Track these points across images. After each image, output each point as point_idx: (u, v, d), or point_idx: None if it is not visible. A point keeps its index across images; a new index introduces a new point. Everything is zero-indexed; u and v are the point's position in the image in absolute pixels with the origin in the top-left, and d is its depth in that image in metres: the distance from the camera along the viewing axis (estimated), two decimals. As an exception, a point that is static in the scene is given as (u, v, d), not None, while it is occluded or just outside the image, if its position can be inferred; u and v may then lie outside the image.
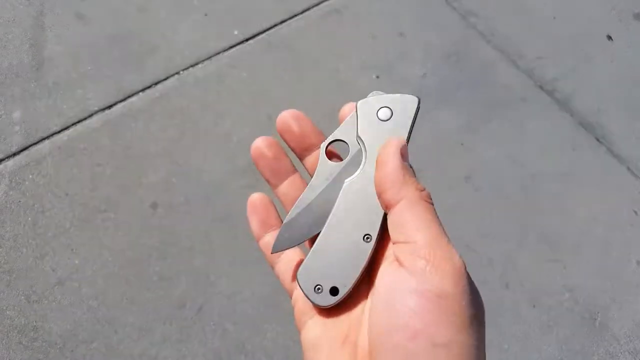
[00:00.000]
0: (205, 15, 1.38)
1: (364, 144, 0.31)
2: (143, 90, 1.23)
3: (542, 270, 1.13)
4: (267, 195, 0.36)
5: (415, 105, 0.31)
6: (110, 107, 1.20)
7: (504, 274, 1.11)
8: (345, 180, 0.31)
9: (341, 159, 0.34)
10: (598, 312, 1.10)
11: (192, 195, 1.10)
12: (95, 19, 1.33)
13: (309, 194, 0.32)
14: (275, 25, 1.39)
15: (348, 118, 0.33)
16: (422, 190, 0.29)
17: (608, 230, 1.20)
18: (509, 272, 1.12)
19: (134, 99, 1.21)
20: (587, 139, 1.33)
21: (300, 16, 1.42)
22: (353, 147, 0.33)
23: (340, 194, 0.31)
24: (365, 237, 0.30)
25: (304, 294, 0.30)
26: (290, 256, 0.35)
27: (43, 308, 0.96)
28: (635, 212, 1.23)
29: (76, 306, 0.97)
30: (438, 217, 0.28)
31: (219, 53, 1.31)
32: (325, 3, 1.45)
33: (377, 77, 1.34)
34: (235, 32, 1.36)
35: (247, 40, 1.35)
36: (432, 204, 0.28)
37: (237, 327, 0.99)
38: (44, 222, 1.04)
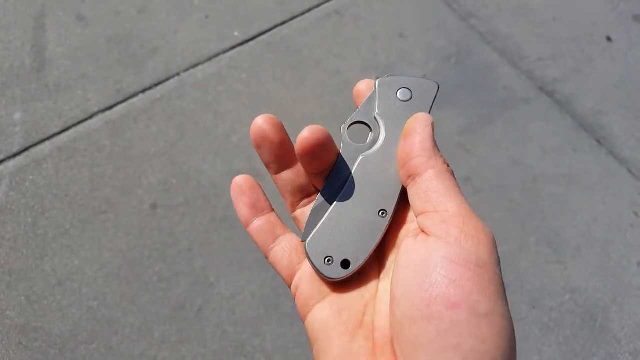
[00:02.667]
0: (206, 16, 1.38)
1: (383, 121, 0.31)
2: (143, 91, 1.23)
3: (542, 271, 1.13)
4: (252, 177, 0.34)
5: (435, 91, 0.31)
6: (110, 108, 1.20)
7: (504, 276, 1.11)
8: (361, 155, 0.30)
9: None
10: (599, 314, 1.10)
11: (191, 196, 1.11)
12: (96, 20, 1.33)
13: (337, 177, 0.31)
14: (276, 26, 1.39)
15: (365, 100, 0.32)
16: (447, 164, 0.28)
17: (609, 232, 1.20)
18: (510, 273, 1.11)
19: (134, 100, 1.22)
20: (587, 141, 1.33)
21: (301, 17, 1.42)
22: (375, 128, 0.32)
23: (355, 167, 0.30)
24: (381, 212, 0.29)
25: (313, 265, 0.29)
26: (286, 240, 0.32)
27: (43, 308, 0.96)
28: (636, 214, 1.23)
29: (76, 307, 0.97)
30: None
31: (219, 54, 1.32)
32: (325, 4, 1.45)
33: (378, 78, 1.34)
34: (236, 34, 1.36)
35: (247, 41, 1.35)
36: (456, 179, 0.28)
37: (236, 328, 0.98)
38: (44, 223, 1.04)
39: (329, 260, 0.29)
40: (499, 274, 0.24)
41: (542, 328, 1.07)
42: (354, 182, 0.30)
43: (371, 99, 0.31)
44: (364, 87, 0.32)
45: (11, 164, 1.10)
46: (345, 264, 0.29)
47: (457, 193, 0.26)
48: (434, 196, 0.26)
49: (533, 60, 1.45)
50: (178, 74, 1.27)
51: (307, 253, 0.29)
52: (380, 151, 0.30)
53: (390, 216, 0.30)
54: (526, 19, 1.54)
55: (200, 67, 1.29)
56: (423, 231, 0.26)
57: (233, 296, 1.01)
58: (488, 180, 1.23)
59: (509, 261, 1.13)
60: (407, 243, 0.26)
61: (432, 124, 0.29)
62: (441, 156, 0.28)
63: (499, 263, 0.24)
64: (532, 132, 1.32)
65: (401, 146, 0.29)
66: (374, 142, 0.31)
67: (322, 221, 0.29)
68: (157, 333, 0.96)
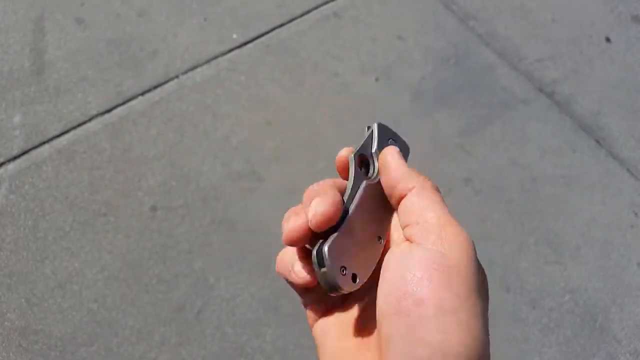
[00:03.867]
0: (205, 19, 1.38)
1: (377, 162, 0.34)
2: (143, 94, 1.24)
3: (542, 272, 1.13)
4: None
5: (408, 152, 0.35)
6: (109, 110, 1.20)
7: (504, 276, 1.11)
8: (365, 181, 0.32)
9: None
10: (599, 314, 1.10)
11: (191, 198, 1.11)
12: (95, 23, 1.34)
13: (348, 200, 0.32)
14: (275, 28, 1.39)
15: (367, 137, 0.35)
16: (428, 179, 0.30)
17: (608, 232, 1.20)
18: (509, 274, 1.11)
19: (133, 102, 1.22)
20: (587, 141, 1.33)
21: (300, 19, 1.42)
22: (373, 162, 0.35)
23: (360, 193, 0.32)
24: (378, 238, 0.31)
25: (329, 271, 0.28)
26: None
27: (43, 311, 0.96)
28: (636, 214, 1.23)
29: (76, 309, 0.97)
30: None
31: (218, 57, 1.32)
32: (324, 6, 1.46)
33: (377, 80, 1.35)
34: (235, 36, 1.36)
35: (246, 43, 1.36)
36: (440, 192, 0.30)
37: (236, 330, 0.99)
38: (44, 226, 1.04)
39: (343, 270, 0.29)
40: (476, 275, 0.25)
41: (542, 329, 1.07)
42: (359, 206, 0.31)
43: (370, 137, 0.35)
44: (345, 153, 0.34)
45: (11, 166, 1.10)
46: (354, 277, 0.29)
47: (438, 205, 0.28)
48: (417, 210, 0.28)
49: (532, 62, 1.45)
50: (177, 77, 1.27)
51: (325, 257, 0.28)
52: (379, 183, 0.33)
53: (384, 242, 0.32)
54: (525, 20, 1.55)
55: (199, 69, 1.29)
56: (408, 239, 0.28)
57: (233, 298, 1.01)
58: (487, 181, 1.23)
59: (508, 262, 1.13)
60: (392, 249, 0.29)
61: (399, 152, 0.32)
62: (420, 174, 0.30)
63: (476, 265, 0.26)
64: (531, 132, 1.32)
65: (383, 181, 0.32)
66: (374, 173, 0.34)
67: (340, 231, 0.29)
68: (156, 335, 0.96)
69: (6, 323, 0.94)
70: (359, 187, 0.32)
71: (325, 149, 1.22)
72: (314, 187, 0.31)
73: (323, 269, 0.28)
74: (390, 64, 1.38)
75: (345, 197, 0.31)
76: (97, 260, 1.02)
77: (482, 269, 0.26)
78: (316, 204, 0.28)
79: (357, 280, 0.29)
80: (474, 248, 0.26)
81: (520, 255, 1.14)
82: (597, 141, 1.33)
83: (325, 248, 0.28)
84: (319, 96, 1.30)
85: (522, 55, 1.46)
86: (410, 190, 0.29)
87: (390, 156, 0.32)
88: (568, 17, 1.57)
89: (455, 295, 0.24)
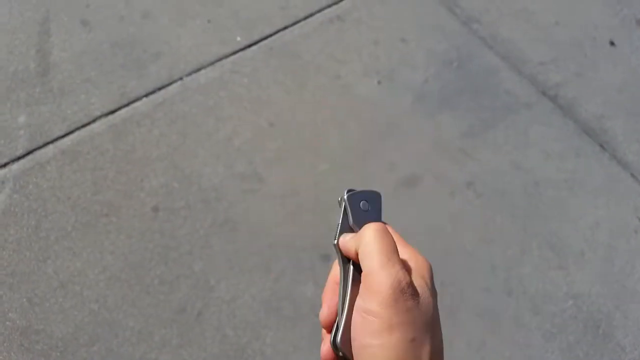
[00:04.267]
0: (208, 21, 1.39)
1: (357, 229, 0.38)
2: (146, 95, 1.24)
3: (545, 277, 1.12)
4: None
5: (380, 199, 0.41)
6: (113, 112, 1.21)
7: (506, 281, 1.10)
8: (350, 267, 0.37)
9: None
10: (602, 320, 1.09)
11: (193, 200, 1.11)
12: (100, 25, 1.35)
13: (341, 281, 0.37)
14: (278, 31, 1.40)
15: (342, 214, 0.40)
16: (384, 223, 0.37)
17: (612, 237, 1.19)
18: (512, 279, 1.11)
19: (137, 104, 1.23)
20: (590, 145, 1.32)
21: (303, 22, 1.42)
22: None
23: (349, 277, 0.37)
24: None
25: (343, 354, 0.34)
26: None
27: (45, 311, 0.96)
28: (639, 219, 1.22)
29: (77, 309, 0.97)
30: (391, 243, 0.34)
31: (221, 59, 1.32)
32: (327, 9, 1.46)
33: (379, 82, 1.35)
34: (238, 38, 1.37)
35: (249, 46, 1.36)
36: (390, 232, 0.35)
37: (236, 332, 0.98)
38: (46, 226, 1.04)
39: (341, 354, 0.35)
40: (388, 316, 0.31)
41: (545, 334, 1.06)
42: (351, 289, 0.36)
43: (345, 210, 0.40)
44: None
45: (15, 166, 1.11)
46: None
47: (376, 253, 0.33)
48: (363, 259, 0.34)
49: (535, 65, 1.45)
50: (180, 79, 1.28)
51: (339, 347, 0.34)
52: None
53: None
54: (528, 23, 1.54)
55: (202, 71, 1.30)
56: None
57: (233, 299, 1.01)
58: (490, 184, 1.23)
59: (511, 266, 1.12)
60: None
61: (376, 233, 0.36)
62: (396, 262, 0.34)
63: (393, 306, 0.31)
64: (534, 136, 1.32)
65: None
66: None
67: (341, 327, 0.35)
68: (157, 336, 0.96)
69: (8, 323, 0.95)
70: (348, 271, 0.37)
71: (327, 151, 1.21)
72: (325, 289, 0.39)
73: (339, 353, 0.35)
74: (393, 66, 1.38)
75: (340, 285, 0.37)
76: (99, 261, 1.02)
77: (405, 309, 0.31)
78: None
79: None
80: (396, 291, 0.31)
81: (523, 259, 1.14)
82: (601, 145, 1.33)
83: (338, 340, 0.34)
84: (321, 98, 1.30)
85: (526, 59, 1.45)
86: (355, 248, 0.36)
87: (365, 250, 0.35)
88: (572, 20, 1.57)
89: (370, 336, 0.31)
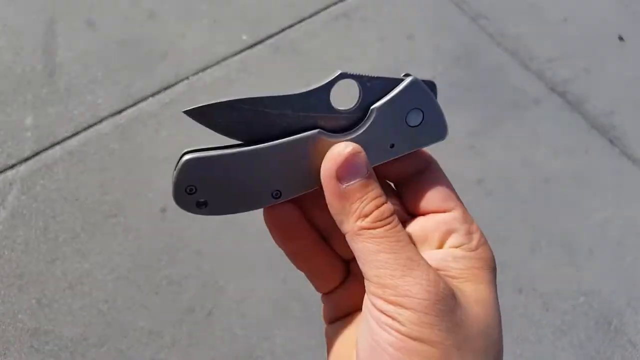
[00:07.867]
0: (214, 20, 1.39)
1: (374, 117, 0.27)
2: (153, 95, 1.24)
3: (555, 274, 1.11)
4: None
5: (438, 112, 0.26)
6: (120, 112, 1.20)
7: (516, 278, 1.10)
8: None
9: None
10: (613, 317, 1.08)
11: (201, 200, 1.11)
12: (106, 25, 1.34)
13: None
14: (284, 29, 1.39)
15: (388, 77, 0.28)
16: (364, 218, 0.26)
17: (622, 233, 1.18)
18: (522, 276, 1.10)
19: (143, 104, 1.22)
20: (600, 141, 1.31)
21: (309, 20, 1.42)
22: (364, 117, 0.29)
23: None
24: (275, 193, 0.29)
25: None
26: None
27: (54, 312, 0.96)
28: (651, 215, 1.21)
29: (86, 310, 0.97)
30: (395, 241, 0.26)
31: (227, 58, 1.32)
32: (333, 7, 1.45)
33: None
34: (244, 37, 1.36)
35: (255, 45, 1.36)
36: (385, 225, 0.26)
37: (246, 332, 0.98)
38: (54, 227, 1.04)
39: (191, 190, 0.26)
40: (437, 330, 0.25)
41: (556, 331, 1.05)
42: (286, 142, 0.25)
43: (393, 85, 0.25)
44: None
45: (22, 168, 1.11)
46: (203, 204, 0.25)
47: (375, 257, 0.26)
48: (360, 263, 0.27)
49: (543, 61, 1.44)
50: (187, 78, 1.27)
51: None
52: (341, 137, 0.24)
53: (282, 201, 0.27)
54: (536, 19, 1.53)
55: (208, 70, 1.29)
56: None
57: (243, 300, 1.01)
58: (499, 181, 1.22)
59: (521, 263, 1.11)
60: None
61: (344, 163, 0.27)
62: (355, 210, 0.27)
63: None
64: (543, 132, 1.31)
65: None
66: (352, 125, 0.26)
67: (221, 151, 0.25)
68: (167, 336, 0.96)
69: (18, 324, 0.95)
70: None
71: (335, 149, 1.21)
72: None
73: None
74: (400, 63, 1.37)
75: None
76: (107, 262, 1.02)
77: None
78: None
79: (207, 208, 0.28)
80: (435, 301, 0.26)
81: (533, 256, 1.13)
82: (611, 141, 1.31)
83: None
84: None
85: (534, 55, 1.44)
86: (345, 233, 0.27)
87: (323, 180, 0.27)
88: (580, 15, 1.55)
89: None
